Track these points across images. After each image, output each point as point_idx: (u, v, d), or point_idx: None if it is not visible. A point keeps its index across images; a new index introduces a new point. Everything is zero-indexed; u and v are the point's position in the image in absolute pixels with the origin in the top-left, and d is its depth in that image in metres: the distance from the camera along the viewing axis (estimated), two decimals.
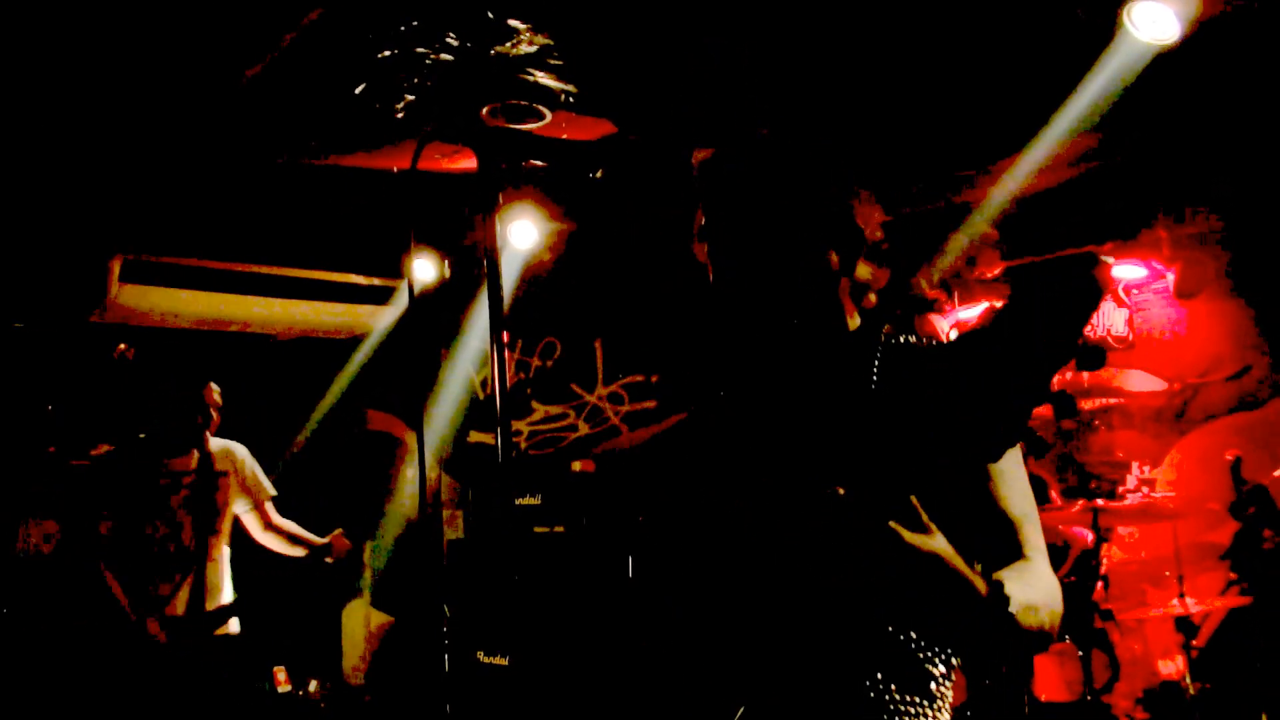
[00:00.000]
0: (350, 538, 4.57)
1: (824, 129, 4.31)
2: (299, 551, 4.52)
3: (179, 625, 4.00)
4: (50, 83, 4.01)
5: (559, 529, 4.77)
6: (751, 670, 1.57)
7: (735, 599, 1.62)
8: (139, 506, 4.06)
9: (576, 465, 5.19)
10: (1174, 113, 4.39)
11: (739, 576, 1.63)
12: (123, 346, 4.27)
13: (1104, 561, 4.52)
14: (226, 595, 4.23)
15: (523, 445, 6.74)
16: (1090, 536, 4.46)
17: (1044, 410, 1.24)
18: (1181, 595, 4.20)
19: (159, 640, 3.92)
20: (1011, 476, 1.56)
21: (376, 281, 6.34)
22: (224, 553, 4.27)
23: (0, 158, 4.53)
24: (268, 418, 6.49)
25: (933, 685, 1.55)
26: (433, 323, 6.64)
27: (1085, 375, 4.58)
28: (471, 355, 6.73)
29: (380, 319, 6.61)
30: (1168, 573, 4.32)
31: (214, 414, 4.20)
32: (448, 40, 3.80)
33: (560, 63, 3.98)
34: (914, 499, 1.31)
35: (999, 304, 1.20)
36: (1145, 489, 4.79)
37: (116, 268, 5.49)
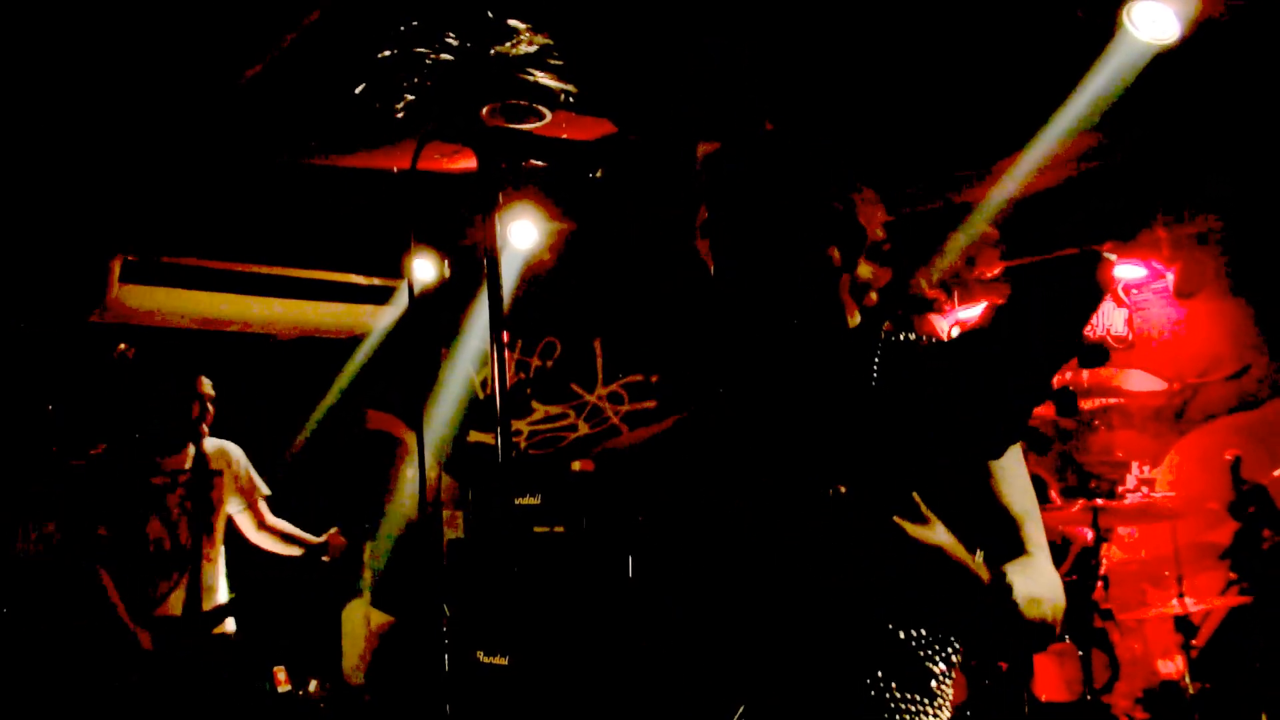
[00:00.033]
0: (350, 537, 4.57)
1: (824, 128, 4.31)
2: (294, 551, 4.51)
3: (176, 625, 4.00)
4: (51, 83, 4.01)
5: (559, 529, 4.77)
6: (751, 670, 1.57)
7: (735, 599, 1.62)
8: (136, 506, 4.06)
9: (576, 465, 5.19)
10: (1174, 112, 4.39)
11: (739, 576, 1.63)
12: (123, 346, 4.27)
13: (1104, 561, 4.52)
14: (222, 594, 4.24)
15: (523, 445, 6.74)
16: (1090, 536, 4.47)
17: (1045, 410, 1.24)
18: (1181, 595, 4.20)
19: (154, 643, 3.92)
20: (1013, 474, 1.56)
21: (376, 281, 6.34)
22: (219, 552, 4.28)
23: (1, 158, 4.53)
24: (268, 418, 6.49)
25: (933, 684, 1.56)
26: (433, 323, 6.64)
27: (1085, 375, 4.58)
28: (471, 355, 6.73)
29: (380, 319, 6.61)
30: (1167, 572, 4.32)
31: (209, 406, 4.20)
32: (448, 40, 3.80)
33: (560, 63, 3.98)
34: (915, 493, 1.32)
35: (1000, 302, 1.20)
36: (1145, 489, 4.79)
37: (116, 268, 5.49)
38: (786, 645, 1.54)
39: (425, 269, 6.12)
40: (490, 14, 3.66)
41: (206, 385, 4.20)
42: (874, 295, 1.71)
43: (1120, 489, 4.87)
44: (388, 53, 3.87)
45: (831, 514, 1.33)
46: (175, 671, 3.96)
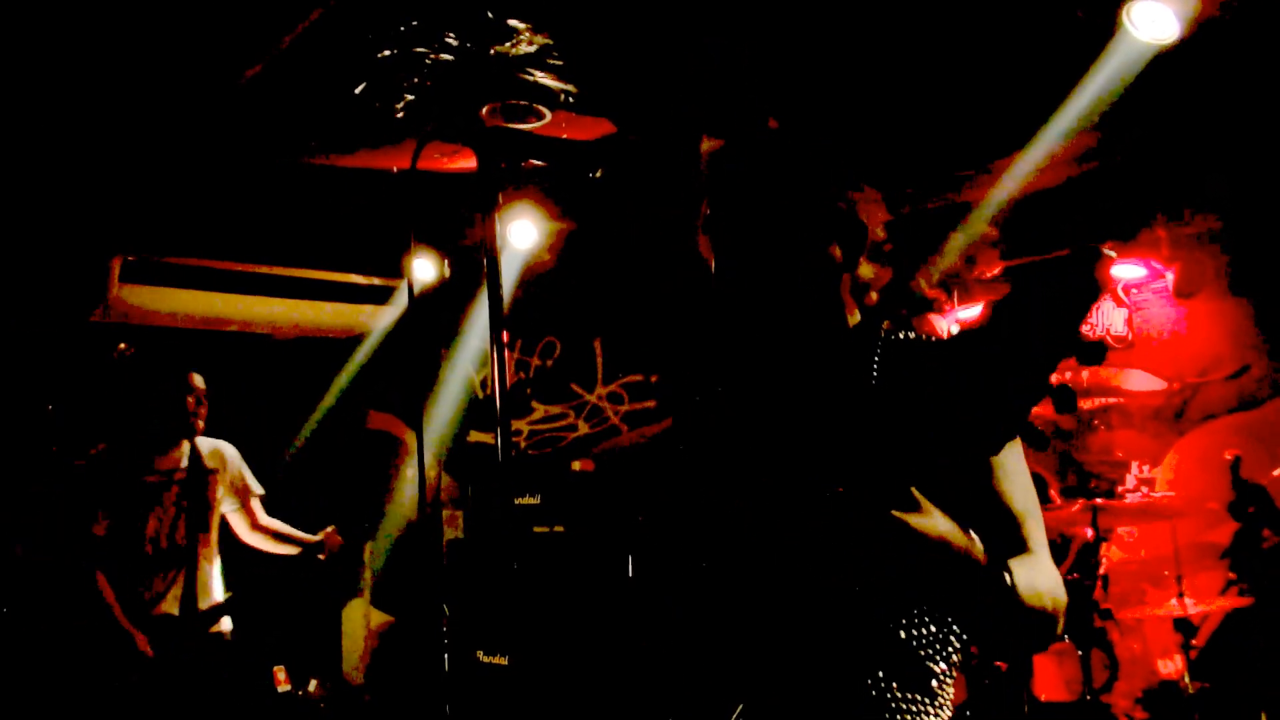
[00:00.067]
0: (350, 537, 4.57)
1: (825, 128, 4.31)
2: (289, 550, 4.52)
3: (172, 624, 4.00)
4: (51, 83, 4.01)
5: (558, 529, 4.77)
6: (752, 670, 1.57)
7: (735, 598, 1.62)
8: (132, 505, 4.06)
9: (576, 465, 5.19)
10: (1173, 112, 4.39)
11: (739, 576, 1.63)
12: (123, 346, 4.28)
13: (1103, 561, 4.52)
14: (218, 593, 4.24)
15: (522, 445, 6.75)
16: (1090, 535, 4.47)
17: (1045, 409, 1.24)
18: (1181, 595, 4.20)
19: (152, 643, 3.92)
20: (1013, 473, 1.56)
21: (376, 281, 6.34)
22: (215, 551, 4.29)
23: (1, 158, 4.53)
24: (268, 418, 6.49)
25: (934, 684, 1.56)
26: (432, 322, 6.64)
27: (1085, 374, 4.58)
28: (471, 355, 6.73)
29: (380, 319, 6.62)
30: (1167, 572, 4.32)
31: (202, 400, 4.20)
32: (447, 40, 3.80)
33: (560, 63, 3.98)
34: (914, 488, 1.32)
35: (999, 300, 1.21)
36: (1144, 488, 4.80)
37: (116, 268, 5.49)
38: (787, 645, 1.54)
39: (425, 269, 6.12)
40: (490, 14, 3.66)
41: (198, 380, 4.20)
42: (874, 295, 1.71)
43: (1120, 489, 4.87)
44: (388, 53, 3.87)
45: (831, 513, 1.33)
46: (174, 671, 3.97)
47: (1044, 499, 4.84)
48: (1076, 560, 4.56)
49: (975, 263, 5.31)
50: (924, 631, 1.55)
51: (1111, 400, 5.10)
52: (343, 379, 6.83)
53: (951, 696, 1.60)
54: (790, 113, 4.35)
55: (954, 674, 1.59)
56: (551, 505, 4.82)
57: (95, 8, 3.54)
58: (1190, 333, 5.02)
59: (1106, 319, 5.17)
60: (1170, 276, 5.06)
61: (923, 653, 1.55)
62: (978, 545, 1.38)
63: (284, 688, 5.51)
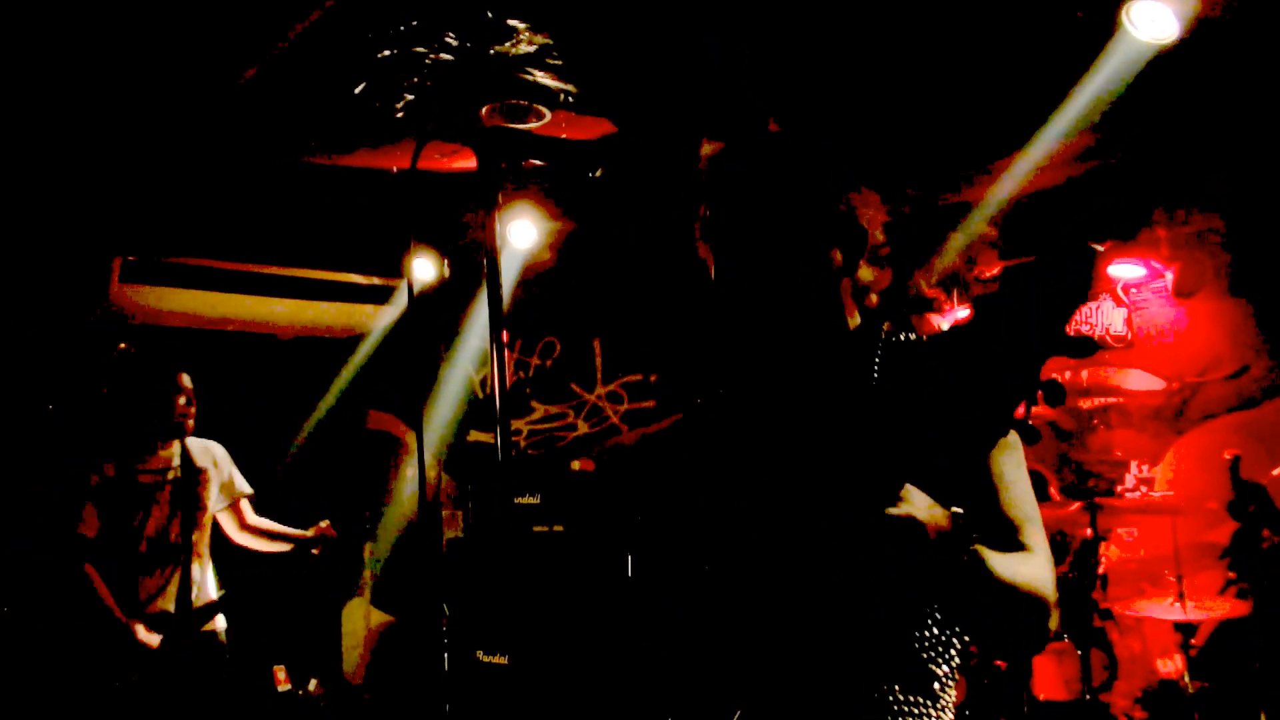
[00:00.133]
0: (349, 535, 4.58)
1: (824, 128, 4.32)
2: (282, 547, 4.52)
3: (168, 622, 4.01)
4: (51, 83, 4.01)
5: (558, 528, 4.77)
6: (753, 670, 1.57)
7: (736, 599, 1.63)
8: (127, 504, 4.08)
9: (576, 464, 5.19)
10: (1173, 112, 4.39)
11: (739, 576, 1.63)
12: (123, 346, 4.28)
13: (1103, 560, 4.53)
14: (211, 591, 4.26)
15: (522, 444, 6.75)
16: (1089, 535, 4.47)
17: (1046, 410, 1.25)
18: (1181, 595, 4.20)
19: (148, 644, 3.93)
20: (1012, 479, 1.56)
21: (376, 281, 6.34)
22: (207, 550, 4.30)
23: (0, 158, 4.54)
24: (268, 417, 6.50)
25: (936, 686, 1.56)
26: (432, 322, 6.64)
27: (1084, 374, 4.58)
28: (471, 355, 6.74)
29: (380, 318, 6.62)
30: (1167, 572, 4.33)
31: (192, 400, 4.21)
32: (447, 40, 3.80)
33: (560, 62, 3.98)
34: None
35: (986, 297, 1.21)
36: (1144, 488, 4.80)
37: (117, 268, 5.50)
38: (787, 646, 1.54)
39: (425, 269, 6.12)
40: (490, 14, 3.66)
41: (187, 381, 4.21)
42: (874, 297, 1.71)
43: (1119, 488, 4.87)
44: (388, 53, 3.87)
45: (831, 514, 1.33)
46: (173, 670, 3.97)
47: (1044, 498, 4.85)
48: (1076, 559, 4.56)
49: (975, 263, 5.31)
50: (926, 634, 1.55)
51: (1111, 400, 5.11)
52: (343, 379, 6.83)
53: (954, 699, 1.60)
54: (790, 113, 4.35)
55: (956, 676, 1.59)
56: (551, 505, 4.82)
57: (95, 8, 3.54)
58: (1190, 332, 5.02)
59: (1106, 319, 5.18)
60: (1170, 276, 5.06)
61: (925, 655, 1.55)
62: (957, 525, 1.38)
63: (284, 687, 5.52)
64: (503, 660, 4.73)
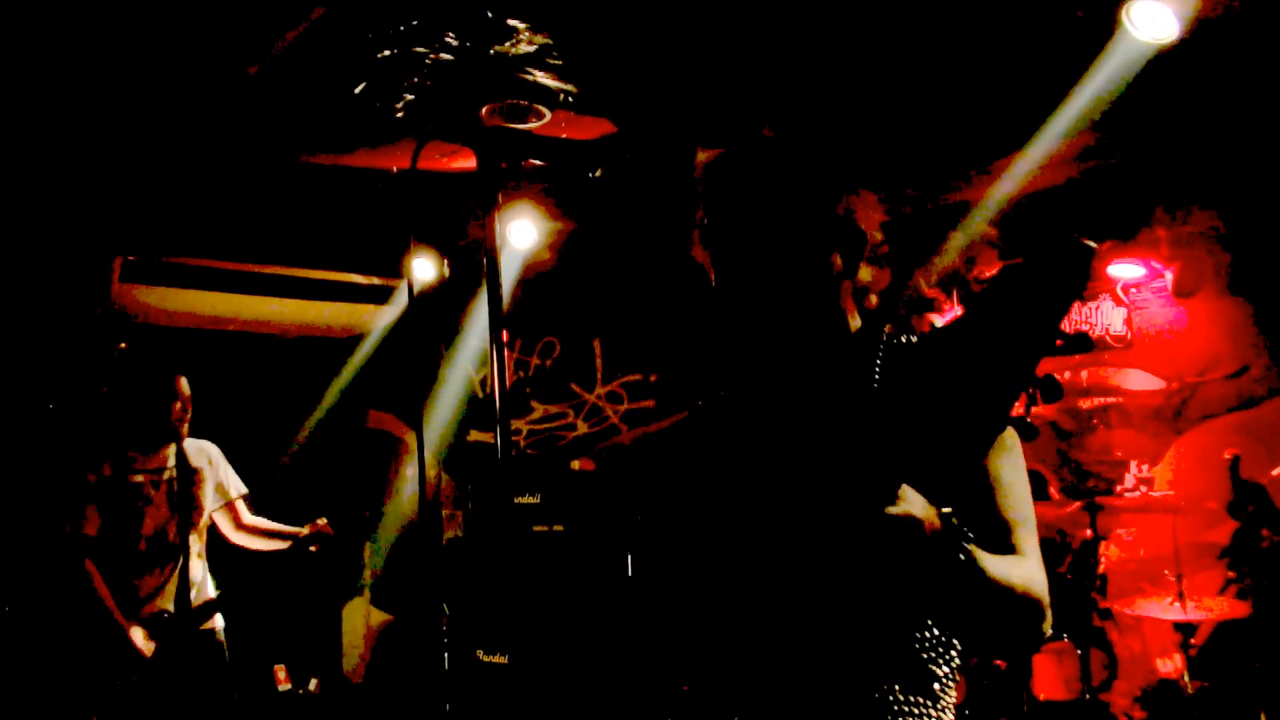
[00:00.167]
0: (349, 536, 4.58)
1: (823, 129, 4.32)
2: (279, 545, 4.52)
3: (166, 621, 4.02)
4: (50, 84, 4.01)
5: (558, 528, 4.77)
6: (752, 670, 1.57)
7: (736, 599, 1.63)
8: (125, 504, 4.08)
9: (576, 464, 5.19)
10: (1173, 112, 4.39)
11: (739, 576, 1.63)
12: (123, 346, 4.29)
13: (1102, 560, 4.53)
14: (209, 590, 4.27)
15: (522, 444, 6.75)
16: (1089, 534, 4.47)
17: (1046, 409, 1.25)
18: (1180, 595, 4.20)
19: (144, 651, 3.94)
20: (1009, 480, 1.56)
21: (376, 281, 6.34)
22: (203, 548, 4.32)
23: (0, 157, 4.54)
24: (268, 417, 6.50)
25: (936, 686, 1.56)
26: (432, 322, 6.64)
27: (1084, 374, 4.59)
28: (471, 354, 6.74)
29: (380, 318, 6.62)
30: (1166, 571, 4.33)
31: (188, 406, 4.22)
32: (447, 40, 3.80)
33: (560, 62, 3.98)
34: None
35: (980, 294, 1.20)
36: (1144, 487, 4.80)
37: (117, 268, 5.50)
38: (787, 646, 1.54)
39: (425, 269, 6.12)
40: (490, 14, 3.66)
41: (184, 386, 4.23)
42: (874, 298, 1.71)
43: (1119, 488, 4.87)
44: (388, 53, 3.87)
45: (832, 514, 1.33)
46: (173, 670, 3.98)
47: (1043, 498, 4.86)
48: (1076, 559, 4.56)
49: (975, 262, 5.32)
50: (926, 634, 1.55)
51: (1111, 399, 5.11)
52: (343, 379, 6.83)
53: (954, 699, 1.60)
54: (788, 114, 4.35)
55: (956, 676, 1.59)
56: (551, 505, 4.82)
57: (95, 8, 3.54)
58: (1189, 332, 5.02)
59: (1106, 318, 5.18)
60: (1169, 276, 5.06)
61: (925, 655, 1.55)
62: (949, 525, 1.38)
63: (284, 686, 5.52)
64: (503, 660, 4.73)
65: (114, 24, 3.63)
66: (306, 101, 4.32)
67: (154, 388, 4.17)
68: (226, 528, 4.47)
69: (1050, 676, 4.39)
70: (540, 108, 4.31)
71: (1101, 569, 4.52)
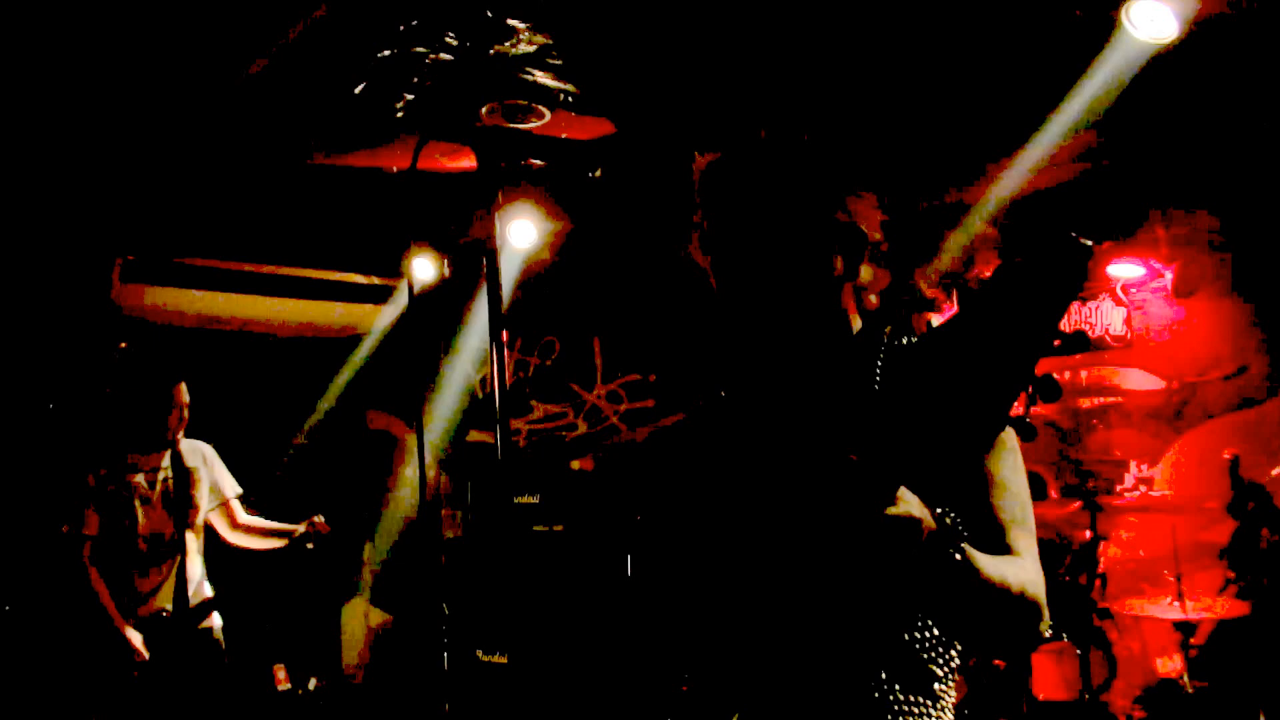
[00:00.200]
0: (348, 535, 4.59)
1: (823, 129, 4.31)
2: (276, 543, 4.53)
3: (164, 621, 4.03)
4: (50, 84, 4.02)
5: (558, 528, 4.78)
6: (752, 670, 1.57)
7: (735, 599, 1.63)
8: (123, 504, 4.09)
9: (576, 464, 5.20)
10: (1172, 111, 4.39)
11: (739, 577, 1.63)
12: (123, 346, 4.29)
13: (1102, 560, 4.53)
14: (206, 590, 4.28)
15: (522, 444, 6.75)
16: (1088, 535, 4.47)
17: (1046, 409, 1.24)
18: (1180, 595, 4.20)
19: (145, 643, 3.95)
20: (1006, 481, 1.56)
21: (376, 281, 6.34)
22: (200, 547, 4.32)
23: (1, 157, 4.54)
24: (268, 417, 6.50)
25: (936, 686, 1.56)
26: (432, 322, 6.64)
27: (1084, 374, 4.59)
28: (471, 354, 6.74)
29: (380, 318, 6.62)
30: (1166, 571, 4.33)
31: (185, 416, 4.24)
32: (447, 40, 3.80)
33: (560, 62, 3.98)
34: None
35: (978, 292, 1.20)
36: (1143, 487, 4.80)
37: (117, 268, 5.50)
38: (787, 646, 1.54)
39: (425, 268, 6.12)
40: (490, 14, 3.66)
41: (183, 395, 4.23)
42: (874, 298, 1.71)
43: (1119, 487, 4.88)
44: (388, 52, 3.87)
45: (831, 514, 1.33)
46: (173, 669, 3.99)
47: (1042, 498, 4.85)
48: (1075, 559, 4.56)
49: (974, 263, 5.31)
50: (926, 633, 1.56)
51: (1110, 399, 5.11)
52: (343, 379, 6.83)
53: (953, 699, 1.60)
54: (789, 114, 4.35)
55: (955, 676, 1.60)
56: (551, 505, 4.83)
57: (96, 8, 3.54)
58: (1189, 332, 5.02)
59: (1105, 318, 5.18)
60: (1169, 276, 5.06)
61: (924, 654, 1.55)
62: (946, 526, 1.38)
63: (284, 686, 5.52)
64: (503, 660, 4.73)
65: (114, 24, 3.63)
66: (307, 102, 4.32)
67: (154, 390, 4.17)
68: (222, 528, 4.48)
69: (1050, 676, 4.39)
70: (540, 108, 4.31)
71: (1101, 569, 4.52)
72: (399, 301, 6.41)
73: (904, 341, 1.65)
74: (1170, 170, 4.79)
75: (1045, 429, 5.22)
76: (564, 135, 4.43)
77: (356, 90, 4.16)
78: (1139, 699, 4.45)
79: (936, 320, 5.14)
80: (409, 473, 6.95)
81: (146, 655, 3.94)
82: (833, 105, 4.37)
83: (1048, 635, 4.05)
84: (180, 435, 4.24)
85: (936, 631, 1.56)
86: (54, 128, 4.40)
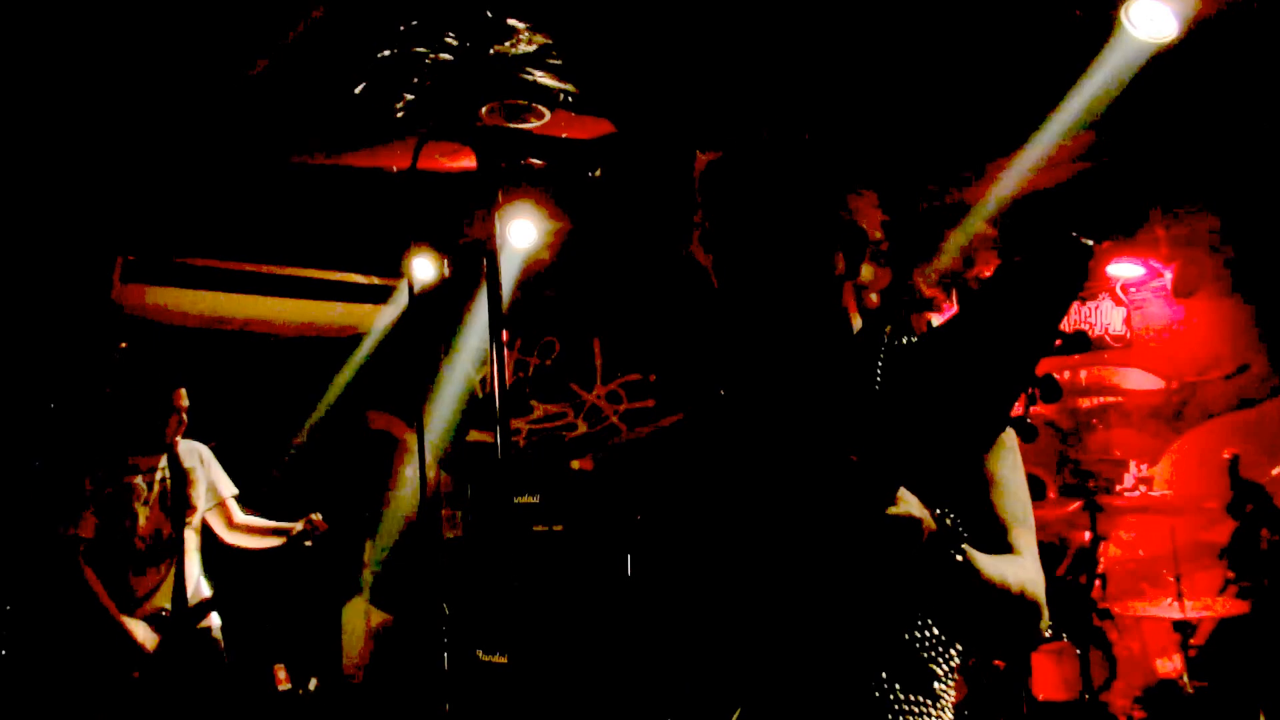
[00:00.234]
0: (348, 535, 4.58)
1: (823, 129, 4.31)
2: (274, 541, 4.52)
3: (163, 621, 4.03)
4: (51, 84, 4.02)
5: (558, 528, 4.78)
6: (753, 670, 1.57)
7: (735, 599, 1.63)
8: (121, 505, 4.09)
9: (575, 464, 5.20)
10: (1172, 111, 4.39)
11: (739, 576, 1.63)
12: (123, 346, 4.29)
13: (1101, 560, 4.53)
14: (205, 590, 4.28)
15: (522, 444, 6.75)
16: (1087, 535, 4.47)
17: (1045, 409, 1.24)
18: (1179, 595, 4.20)
19: (146, 645, 3.95)
20: (1006, 480, 1.56)
21: (376, 281, 6.34)
22: (198, 548, 4.32)
23: (1, 157, 4.54)
24: (268, 417, 6.50)
25: (936, 685, 1.56)
26: (432, 322, 6.65)
27: (1083, 374, 4.59)
28: (471, 354, 6.74)
29: (380, 318, 6.62)
30: (1165, 571, 4.33)
31: (184, 419, 4.24)
32: (447, 40, 3.80)
33: (559, 62, 3.98)
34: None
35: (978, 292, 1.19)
36: (1143, 487, 4.80)
37: (118, 267, 5.50)
38: (787, 645, 1.54)
39: (425, 268, 6.12)
40: (490, 14, 3.66)
41: (182, 399, 4.24)
42: (874, 297, 1.71)
43: (1118, 487, 4.87)
44: (388, 53, 3.87)
45: (832, 513, 1.33)
46: (173, 669, 3.99)
47: (1042, 498, 4.85)
48: (1075, 559, 4.56)
49: (973, 262, 5.32)
50: (925, 633, 1.56)
51: (1110, 399, 5.11)
52: (343, 379, 6.84)
53: (953, 698, 1.60)
54: (789, 113, 4.35)
55: (955, 675, 1.60)
56: (551, 505, 4.83)
57: (96, 8, 3.54)
58: (1189, 332, 5.02)
59: (1105, 318, 5.18)
60: (1169, 276, 5.06)
61: (924, 654, 1.55)
62: (946, 526, 1.38)
63: (284, 686, 5.52)
64: (502, 660, 4.73)
65: (114, 23, 3.64)
66: (307, 102, 4.32)
67: (153, 392, 4.17)
68: (219, 528, 4.48)
69: (1050, 677, 4.39)
70: (540, 108, 4.31)
71: (1101, 569, 4.52)
72: (399, 301, 6.41)
73: (904, 341, 1.65)
74: (1170, 170, 4.79)
75: (1045, 429, 5.22)
76: (564, 135, 4.44)
77: (356, 90, 4.16)
78: (1139, 699, 4.45)
79: (936, 320, 5.14)
80: (409, 472, 6.95)
81: (151, 647, 3.94)
82: (833, 105, 4.37)
83: (1048, 635, 4.05)
84: (179, 437, 4.25)
85: (936, 631, 1.56)
86: (55, 127, 4.40)
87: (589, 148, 4.19)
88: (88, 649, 3.95)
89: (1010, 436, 1.59)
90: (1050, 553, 4.61)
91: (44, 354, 5.54)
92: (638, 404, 6.44)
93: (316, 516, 4.46)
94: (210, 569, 4.39)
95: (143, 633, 3.96)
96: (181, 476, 4.23)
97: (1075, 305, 5.16)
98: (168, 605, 4.07)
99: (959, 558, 1.37)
